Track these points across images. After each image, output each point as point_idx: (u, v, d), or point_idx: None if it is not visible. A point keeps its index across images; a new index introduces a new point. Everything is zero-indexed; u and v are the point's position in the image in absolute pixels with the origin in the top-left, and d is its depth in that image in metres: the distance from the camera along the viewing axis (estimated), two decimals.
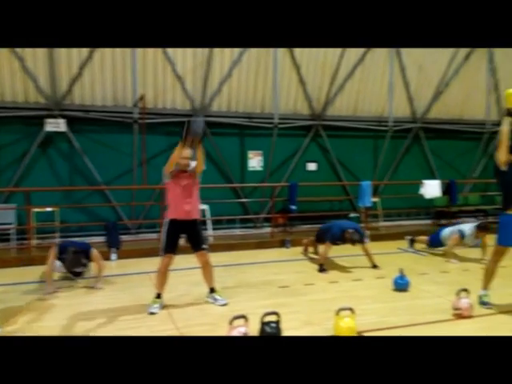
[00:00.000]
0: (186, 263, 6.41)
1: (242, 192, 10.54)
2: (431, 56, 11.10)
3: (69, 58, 8.84)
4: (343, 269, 7.00)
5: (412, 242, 8.60)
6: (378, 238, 9.38)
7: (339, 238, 6.93)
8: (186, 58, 9.53)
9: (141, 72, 9.30)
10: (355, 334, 4.05)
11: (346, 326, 4.05)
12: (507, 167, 4.78)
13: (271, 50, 9.85)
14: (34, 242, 8.19)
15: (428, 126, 11.91)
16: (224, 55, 9.71)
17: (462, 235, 7.46)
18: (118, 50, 8.99)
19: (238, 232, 10.04)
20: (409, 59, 11.06)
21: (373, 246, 7.60)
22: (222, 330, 4.03)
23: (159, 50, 9.25)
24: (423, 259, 7.83)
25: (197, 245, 5.20)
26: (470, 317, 4.59)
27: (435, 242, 7.98)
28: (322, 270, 6.79)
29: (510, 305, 5.02)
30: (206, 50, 9.43)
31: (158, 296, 5.05)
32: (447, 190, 10.74)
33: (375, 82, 11.13)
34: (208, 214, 9.30)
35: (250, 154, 10.68)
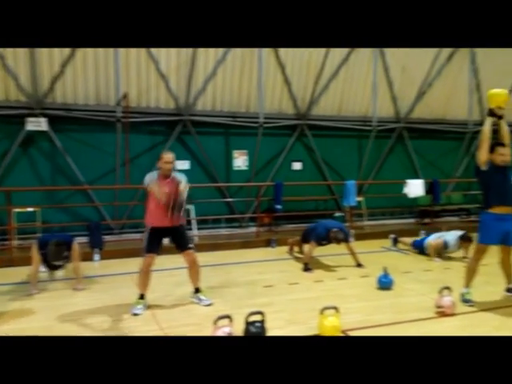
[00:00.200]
0: (170, 263, 6.38)
1: (228, 191, 10.51)
2: (414, 56, 11.21)
3: (50, 55, 8.70)
4: (328, 268, 7.02)
5: (395, 240, 8.67)
6: (362, 237, 9.44)
7: (324, 238, 6.95)
8: (170, 56, 9.46)
9: (124, 70, 9.20)
10: (340, 333, 4.06)
11: (331, 325, 4.06)
12: (487, 167, 4.85)
13: (256, 49, 9.83)
14: (15, 242, 8.05)
15: (411, 125, 12.03)
16: (208, 54, 9.66)
17: (445, 244, 7.54)
18: (100, 48, 8.88)
19: (223, 232, 10.01)
20: (392, 59, 11.15)
21: (357, 245, 7.64)
22: (207, 331, 4.00)
23: (143, 49, 9.16)
24: (407, 258, 7.90)
25: (182, 245, 5.13)
26: (452, 315, 4.63)
27: (418, 248, 8.04)
28: (306, 269, 6.80)
29: (492, 302, 5.09)
30: (190, 49, 9.36)
31: (142, 297, 4.99)
32: (430, 189, 10.85)
33: (359, 82, 11.20)
34: (193, 214, 9.25)
35: (236, 153, 10.65)
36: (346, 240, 6.94)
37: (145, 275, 4.98)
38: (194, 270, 5.21)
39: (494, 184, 4.83)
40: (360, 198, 10.65)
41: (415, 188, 10.53)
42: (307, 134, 11.11)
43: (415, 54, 11.14)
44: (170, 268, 6.51)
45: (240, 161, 10.69)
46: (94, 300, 5.34)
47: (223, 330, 3.79)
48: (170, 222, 4.93)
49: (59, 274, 6.23)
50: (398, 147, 12.14)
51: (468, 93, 12.03)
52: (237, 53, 9.85)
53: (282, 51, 10.14)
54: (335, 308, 4.14)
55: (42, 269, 5.88)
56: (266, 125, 10.26)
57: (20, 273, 6.37)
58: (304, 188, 10.79)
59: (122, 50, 8.97)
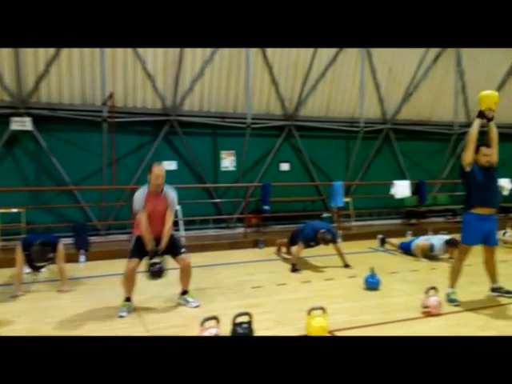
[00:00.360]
0: None
1: (215, 192, 10.47)
2: (401, 58, 11.31)
3: (35, 55, 8.58)
4: (316, 268, 7.03)
5: (383, 240, 8.72)
6: (349, 237, 9.47)
7: (312, 239, 6.95)
8: (157, 56, 9.40)
9: (110, 70, 9.12)
10: (327, 333, 4.06)
11: (318, 326, 4.06)
12: (471, 168, 4.89)
13: (243, 49, 9.82)
14: None
15: (398, 127, 12.12)
16: (196, 54, 9.62)
17: (431, 247, 7.60)
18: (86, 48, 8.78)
19: (211, 232, 9.97)
20: (379, 61, 11.22)
21: (344, 246, 7.67)
22: (194, 332, 3.97)
23: (129, 48, 9.08)
24: (393, 258, 7.94)
25: (175, 251, 5.09)
26: (438, 314, 4.66)
27: (405, 249, 8.09)
28: (294, 269, 6.80)
29: (477, 302, 5.13)
30: (177, 49, 9.31)
31: (128, 299, 4.93)
32: (417, 190, 10.94)
33: (347, 83, 11.25)
34: (180, 215, 9.19)
35: (223, 154, 10.62)
36: (333, 241, 6.95)
37: (128, 279, 4.90)
38: (186, 273, 5.16)
39: (478, 185, 4.87)
40: (347, 199, 10.69)
41: (402, 189, 10.61)
42: (295, 135, 11.13)
43: (402, 56, 11.24)
44: None
45: (228, 161, 10.66)
46: (79, 302, 5.27)
47: (210, 332, 3.76)
48: (160, 233, 4.95)
49: (43, 275, 6.15)
50: (385, 148, 12.22)
51: (454, 94, 12.16)
52: (224, 53, 9.82)
53: (270, 51, 10.14)
54: (322, 308, 4.14)
55: (26, 270, 5.78)
56: (253, 125, 10.25)
57: (3, 274, 6.26)
58: (292, 189, 10.81)
59: (108, 50, 8.89)
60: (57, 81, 8.95)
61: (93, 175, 9.40)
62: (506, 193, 11.66)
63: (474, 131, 4.83)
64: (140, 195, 4.92)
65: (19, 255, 5.50)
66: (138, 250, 4.92)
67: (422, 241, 7.79)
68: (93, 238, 8.33)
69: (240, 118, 10.28)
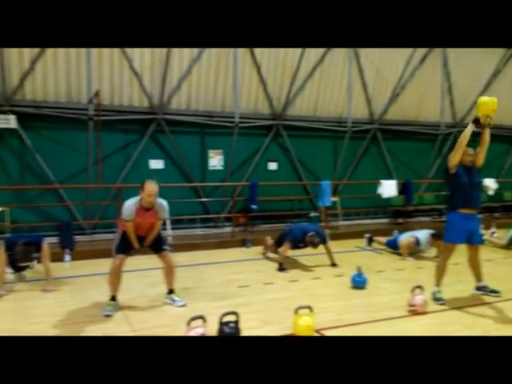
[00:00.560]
0: (143, 264, 6.28)
1: (203, 191, 10.43)
2: (388, 59, 11.38)
3: (20, 52, 8.45)
4: (303, 267, 7.03)
5: (370, 239, 8.76)
6: (337, 236, 9.48)
7: (301, 241, 6.96)
8: (144, 54, 9.33)
9: (96, 67, 9.02)
10: (313, 332, 4.06)
11: (305, 325, 4.05)
12: (455, 170, 4.95)
13: (231, 48, 9.79)
14: None
15: (385, 127, 12.19)
16: (183, 53, 9.57)
17: (417, 242, 7.68)
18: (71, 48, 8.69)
19: (198, 232, 9.93)
20: (367, 61, 11.28)
21: (332, 245, 7.66)
22: (180, 332, 3.94)
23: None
24: (380, 257, 7.99)
25: (158, 247, 5.08)
26: (424, 313, 4.69)
27: (392, 246, 8.16)
28: (281, 269, 6.79)
29: (462, 300, 5.18)
30: (164, 48, 9.26)
31: (113, 298, 4.87)
32: (403, 189, 11.02)
33: (334, 82, 11.29)
34: (167, 214, 9.11)
35: (211, 153, 10.58)
36: (323, 242, 6.99)
37: (115, 276, 4.85)
38: (169, 271, 5.13)
39: (461, 186, 4.93)
40: (335, 198, 10.72)
41: (389, 188, 10.68)
42: (283, 134, 11.13)
43: (389, 56, 11.31)
44: (142, 269, 6.41)
45: (215, 160, 10.62)
46: (64, 301, 5.19)
47: (196, 331, 3.73)
48: (146, 232, 4.97)
49: (27, 275, 6.06)
50: (373, 148, 12.30)
51: (440, 95, 12.26)
52: (212, 52, 9.79)
53: (258, 51, 10.13)
54: (309, 307, 4.14)
55: (9, 270, 5.70)
56: (241, 124, 10.23)
57: None
58: (279, 188, 10.81)
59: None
60: (42, 78, 8.83)
61: (78, 174, 9.30)
62: (491, 193, 11.82)
63: (466, 136, 4.83)
64: (130, 207, 4.82)
65: (2, 255, 5.42)
66: (125, 246, 4.90)
67: (406, 237, 7.85)
68: (78, 237, 8.24)
69: (228, 117, 10.25)
